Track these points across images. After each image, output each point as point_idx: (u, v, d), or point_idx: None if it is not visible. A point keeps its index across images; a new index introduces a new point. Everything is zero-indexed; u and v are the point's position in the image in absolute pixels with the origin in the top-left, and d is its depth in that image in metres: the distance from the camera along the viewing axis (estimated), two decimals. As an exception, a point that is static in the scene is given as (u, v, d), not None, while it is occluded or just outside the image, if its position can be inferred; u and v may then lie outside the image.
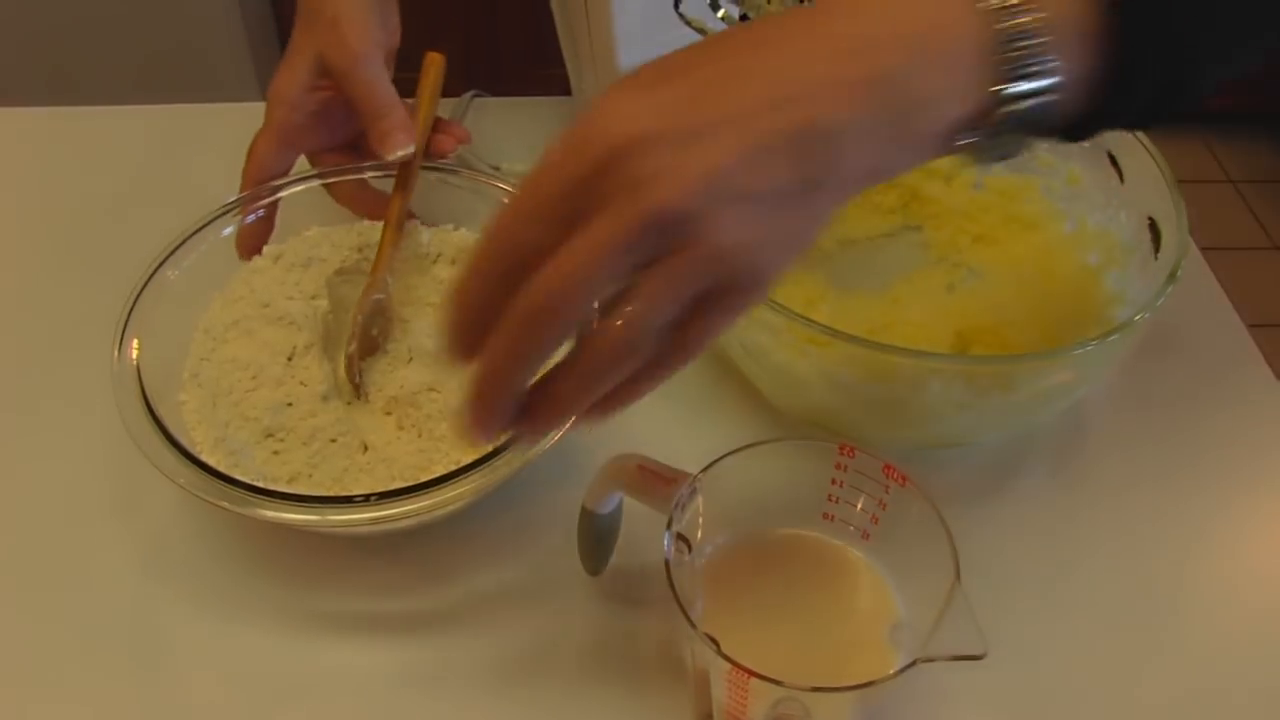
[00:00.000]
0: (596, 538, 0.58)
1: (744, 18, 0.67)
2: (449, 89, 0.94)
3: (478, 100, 0.93)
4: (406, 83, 2.43)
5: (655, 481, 0.52)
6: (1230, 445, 0.73)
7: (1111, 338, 0.61)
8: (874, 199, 0.82)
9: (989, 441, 0.71)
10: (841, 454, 0.54)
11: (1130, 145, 0.73)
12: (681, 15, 0.67)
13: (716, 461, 0.53)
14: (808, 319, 0.59)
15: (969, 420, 0.64)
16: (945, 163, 0.81)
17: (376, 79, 0.69)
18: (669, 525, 0.51)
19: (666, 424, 0.70)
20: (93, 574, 0.63)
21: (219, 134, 0.82)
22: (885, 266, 0.79)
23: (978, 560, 0.64)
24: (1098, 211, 0.77)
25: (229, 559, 0.64)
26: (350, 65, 0.69)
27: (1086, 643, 0.62)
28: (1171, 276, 0.65)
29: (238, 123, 0.77)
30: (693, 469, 0.53)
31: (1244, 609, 0.64)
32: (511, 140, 0.88)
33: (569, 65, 0.81)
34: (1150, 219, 0.72)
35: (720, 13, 0.66)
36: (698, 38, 0.67)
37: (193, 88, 2.18)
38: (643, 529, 0.57)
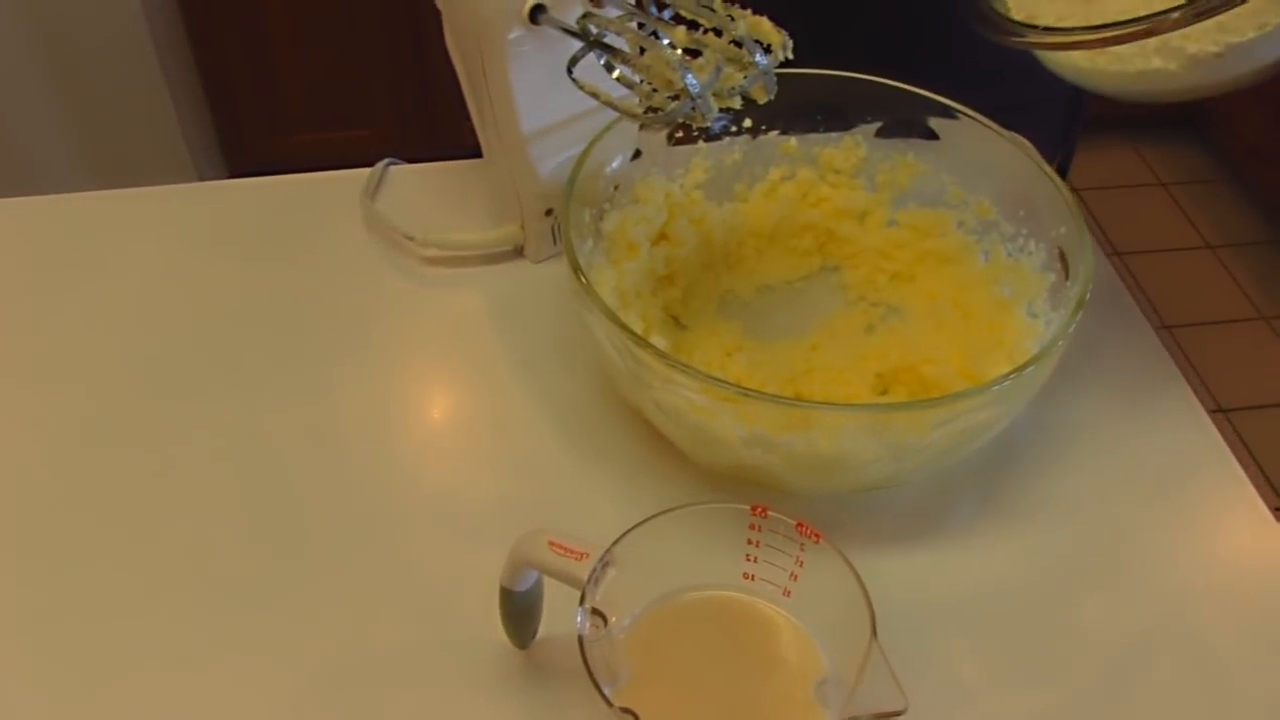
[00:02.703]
0: (517, 614, 0.57)
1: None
2: (369, 159, 0.94)
3: (392, 168, 0.93)
4: (347, 142, 2.43)
5: (566, 557, 0.52)
6: (1153, 464, 0.73)
7: (1026, 371, 0.62)
8: (790, 243, 0.82)
9: (916, 480, 0.71)
10: (754, 515, 0.54)
11: (1035, 175, 0.73)
12: (575, 80, 0.67)
13: (626, 534, 0.52)
14: (719, 379, 0.59)
15: (891, 465, 0.64)
16: (860, 201, 0.82)
17: None
18: (581, 601, 0.50)
19: (592, 488, 0.70)
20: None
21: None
22: (804, 311, 0.80)
23: (910, 601, 0.65)
24: (1009, 243, 0.77)
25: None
26: None
27: (1021, 676, 0.62)
28: (1079, 305, 0.65)
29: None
30: (620, 532, 0.53)
31: (1178, 633, 0.64)
32: (426, 207, 0.88)
33: (477, 128, 0.81)
34: (1059, 249, 0.72)
35: (615, 74, 0.66)
36: (594, 103, 0.67)
37: (126, 173, 2.18)
38: (569, 598, 0.57)
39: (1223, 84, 0.63)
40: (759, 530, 0.54)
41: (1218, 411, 2.12)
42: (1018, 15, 0.68)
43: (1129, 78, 0.64)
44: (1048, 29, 0.64)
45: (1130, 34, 0.58)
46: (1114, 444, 0.74)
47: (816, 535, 0.53)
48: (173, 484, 0.70)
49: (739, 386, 0.59)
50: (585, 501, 0.69)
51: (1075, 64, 0.67)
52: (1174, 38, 0.60)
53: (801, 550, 0.54)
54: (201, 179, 2.24)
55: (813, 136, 0.83)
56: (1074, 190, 0.72)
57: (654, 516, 0.53)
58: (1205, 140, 2.80)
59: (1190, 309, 2.40)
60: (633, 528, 0.53)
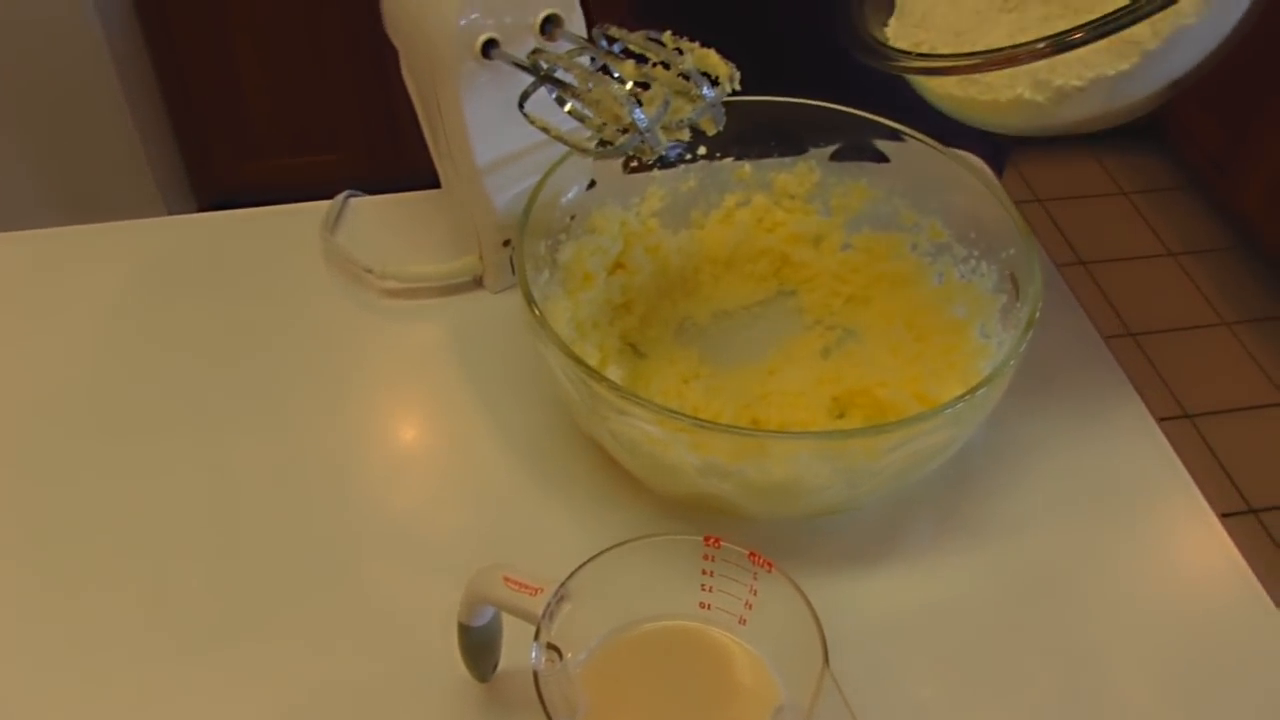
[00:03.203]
0: (476, 649, 0.58)
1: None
2: (337, 183, 0.95)
3: (352, 200, 0.93)
4: (314, 167, 2.43)
5: (521, 593, 0.52)
6: (1106, 478, 0.74)
7: (978, 393, 0.62)
8: (746, 268, 0.83)
9: (873, 502, 0.72)
10: (707, 545, 0.54)
11: (983, 196, 0.74)
12: (526, 115, 0.68)
13: (581, 568, 0.53)
14: (672, 411, 0.60)
15: (845, 490, 0.64)
16: (814, 226, 0.83)
17: None
18: (536, 636, 0.51)
19: (552, 517, 0.70)
20: None
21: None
22: (761, 336, 0.80)
23: (868, 623, 0.65)
24: (961, 264, 0.78)
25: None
26: None
27: (980, 694, 0.63)
28: (1028, 326, 0.66)
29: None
30: (580, 562, 0.53)
31: (1133, 645, 0.65)
32: (386, 239, 0.89)
33: (434, 159, 0.82)
34: (1009, 270, 0.73)
35: (567, 108, 0.67)
36: (543, 137, 0.68)
37: (92, 202, 2.18)
38: (530, 630, 0.57)
39: (1094, 119, 0.65)
40: (713, 560, 0.55)
41: (1183, 417, 2.14)
42: (897, 44, 0.69)
43: (1001, 109, 0.66)
44: (919, 55, 0.66)
45: (992, 61, 0.60)
46: (1067, 459, 0.75)
47: (768, 564, 0.53)
48: (131, 519, 0.70)
49: (692, 417, 0.59)
50: (545, 532, 0.70)
51: (950, 93, 0.69)
52: (1041, 69, 0.62)
53: (755, 579, 0.54)
54: (167, 204, 2.24)
55: (767, 162, 0.84)
56: (1019, 203, 0.73)
57: (608, 550, 0.54)
58: (1165, 150, 2.83)
59: (1154, 315, 2.42)
60: (587, 561, 0.53)
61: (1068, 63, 0.60)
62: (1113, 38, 0.57)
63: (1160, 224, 2.67)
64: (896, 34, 0.71)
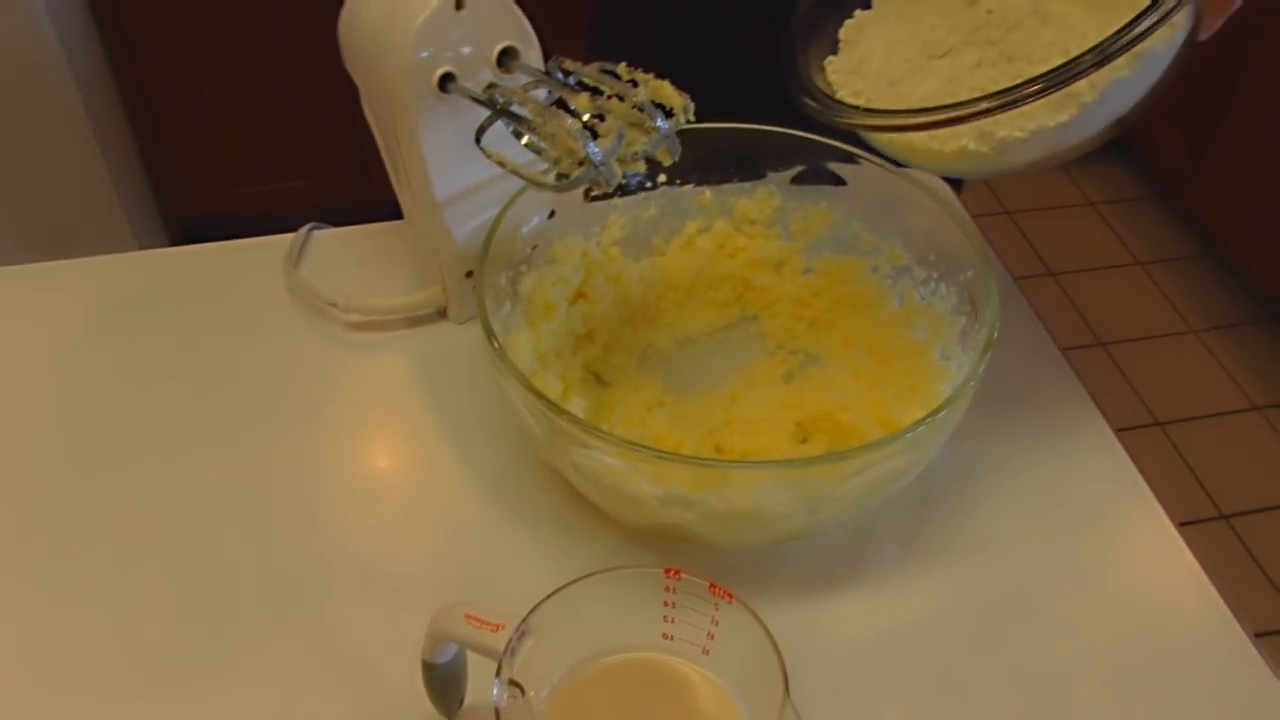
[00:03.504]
0: (440, 686, 0.58)
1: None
2: (306, 208, 0.94)
3: (316, 232, 0.93)
4: (284, 193, 2.42)
5: (482, 630, 0.52)
6: (1067, 494, 0.75)
7: (938, 417, 0.63)
8: (708, 294, 0.83)
9: (837, 527, 0.72)
10: (668, 577, 0.54)
11: (940, 218, 0.75)
12: (483, 149, 0.68)
13: (542, 603, 0.53)
14: (632, 443, 0.60)
15: (807, 517, 0.65)
16: (775, 251, 0.83)
17: None
18: (498, 673, 0.51)
19: (517, 549, 0.70)
20: None
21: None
22: (724, 362, 0.81)
23: (834, 647, 0.66)
24: (921, 287, 0.79)
25: None
26: None
27: (946, 716, 0.63)
28: (986, 349, 0.67)
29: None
30: (545, 594, 0.53)
31: (1098, 662, 0.66)
32: (350, 271, 0.89)
33: (396, 191, 0.82)
34: (968, 292, 0.74)
35: (524, 140, 0.67)
36: (499, 170, 0.68)
37: (60, 232, 2.17)
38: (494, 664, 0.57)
39: (1042, 163, 0.66)
40: (674, 592, 0.55)
41: (1154, 425, 2.15)
42: (839, 88, 0.70)
43: (946, 157, 0.67)
44: (863, 110, 0.67)
45: (935, 121, 0.61)
46: (1029, 477, 0.76)
47: (729, 595, 0.53)
48: (95, 553, 0.69)
49: (652, 448, 0.60)
50: (510, 564, 0.70)
51: (892, 140, 0.70)
52: (984, 122, 0.63)
53: (716, 609, 0.54)
54: (136, 235, 2.23)
55: (727, 188, 0.84)
56: (986, 216, 0.74)
57: (569, 584, 0.54)
58: (1130, 160, 2.86)
59: (1123, 325, 2.44)
60: (548, 596, 0.53)
61: (1009, 116, 0.61)
62: None
63: (1127, 234, 2.69)
64: (837, 72, 0.72)
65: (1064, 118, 0.62)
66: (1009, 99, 0.58)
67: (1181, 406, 2.23)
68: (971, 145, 0.64)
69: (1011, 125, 0.63)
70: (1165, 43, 0.61)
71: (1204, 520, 1.98)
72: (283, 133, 2.36)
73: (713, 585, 0.54)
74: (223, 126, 2.32)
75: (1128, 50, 0.57)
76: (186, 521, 0.72)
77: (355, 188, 2.32)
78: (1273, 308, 2.43)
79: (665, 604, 0.56)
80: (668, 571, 0.54)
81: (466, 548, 0.71)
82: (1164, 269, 2.60)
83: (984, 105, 0.59)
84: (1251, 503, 2.05)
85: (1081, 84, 0.59)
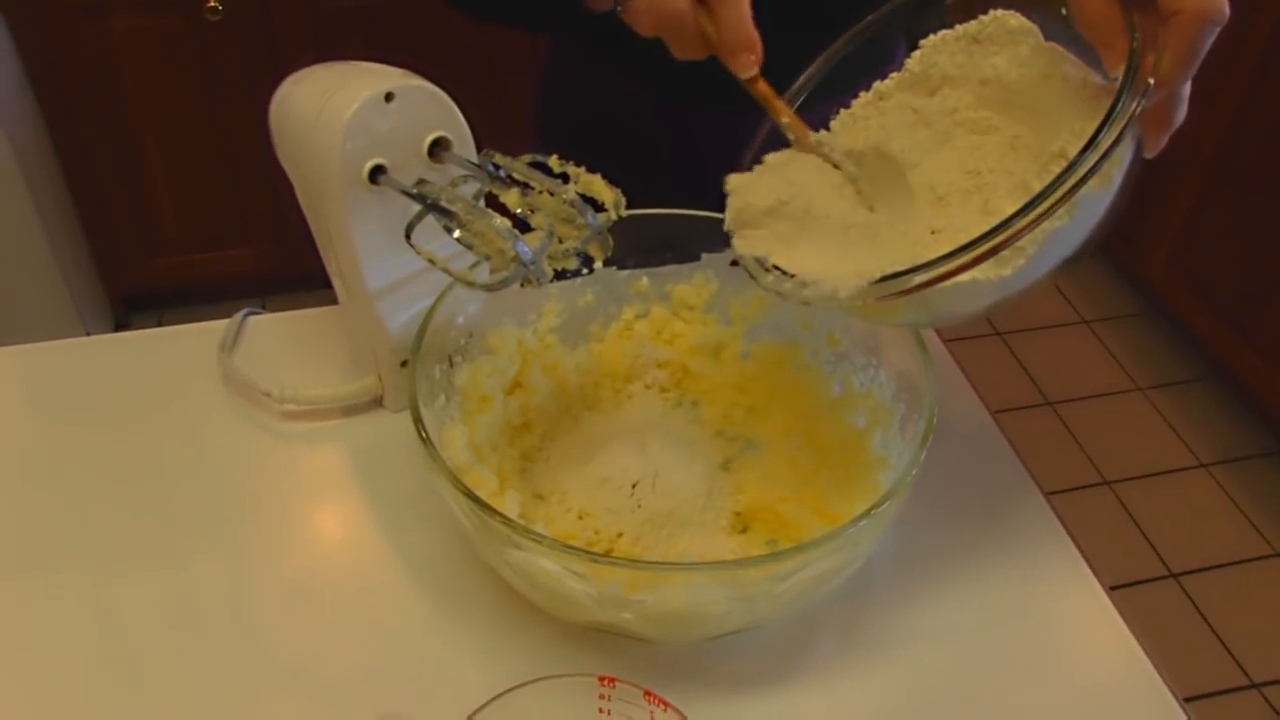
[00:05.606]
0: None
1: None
2: (248, 276, 0.93)
3: (251, 318, 0.92)
4: (225, 261, 2.40)
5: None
6: (1007, 582, 0.75)
7: (879, 509, 0.62)
8: (646, 381, 0.83)
9: (776, 621, 0.71)
10: (602, 685, 0.54)
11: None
12: (412, 245, 0.67)
13: (476, 713, 0.52)
14: (565, 545, 0.59)
15: (745, 615, 0.64)
16: (714, 336, 0.83)
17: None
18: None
19: (455, 648, 0.69)
20: None
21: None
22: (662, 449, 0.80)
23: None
24: (860, 373, 0.79)
25: None
26: None
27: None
28: (924, 441, 0.67)
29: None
30: (484, 696, 0.52)
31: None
32: (285, 358, 0.88)
33: (331, 279, 0.81)
34: (907, 380, 0.74)
35: (455, 235, 0.67)
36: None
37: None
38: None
39: (989, 309, 0.64)
40: (609, 700, 0.54)
41: (1102, 484, 2.17)
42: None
43: (887, 313, 0.64)
44: (805, 286, 0.62)
45: (869, 299, 0.58)
46: (970, 564, 0.76)
47: (664, 703, 0.53)
48: (17, 658, 0.67)
49: (586, 551, 0.59)
50: (447, 664, 0.68)
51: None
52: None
53: (651, 717, 0.54)
54: (76, 302, 2.20)
55: (665, 272, 0.84)
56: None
57: (501, 695, 0.53)
58: (1073, 220, 2.89)
59: (1071, 384, 2.46)
60: (479, 710, 0.52)
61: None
62: None
63: (1072, 292, 2.72)
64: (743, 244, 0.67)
65: (1007, 271, 0.58)
66: (942, 270, 0.56)
67: (1129, 465, 2.24)
68: (911, 317, 0.63)
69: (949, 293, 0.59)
70: (1103, 182, 0.59)
71: (1153, 580, 1.99)
72: (224, 202, 2.34)
73: (648, 693, 0.53)
74: (163, 196, 2.31)
75: (1063, 204, 0.54)
76: (109, 624, 0.70)
77: (297, 256, 2.31)
78: (1216, 364, 2.46)
79: (601, 711, 0.55)
80: (602, 679, 0.54)
81: (402, 647, 0.70)
82: (1109, 327, 2.62)
83: (917, 280, 0.56)
84: (1200, 561, 2.06)
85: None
